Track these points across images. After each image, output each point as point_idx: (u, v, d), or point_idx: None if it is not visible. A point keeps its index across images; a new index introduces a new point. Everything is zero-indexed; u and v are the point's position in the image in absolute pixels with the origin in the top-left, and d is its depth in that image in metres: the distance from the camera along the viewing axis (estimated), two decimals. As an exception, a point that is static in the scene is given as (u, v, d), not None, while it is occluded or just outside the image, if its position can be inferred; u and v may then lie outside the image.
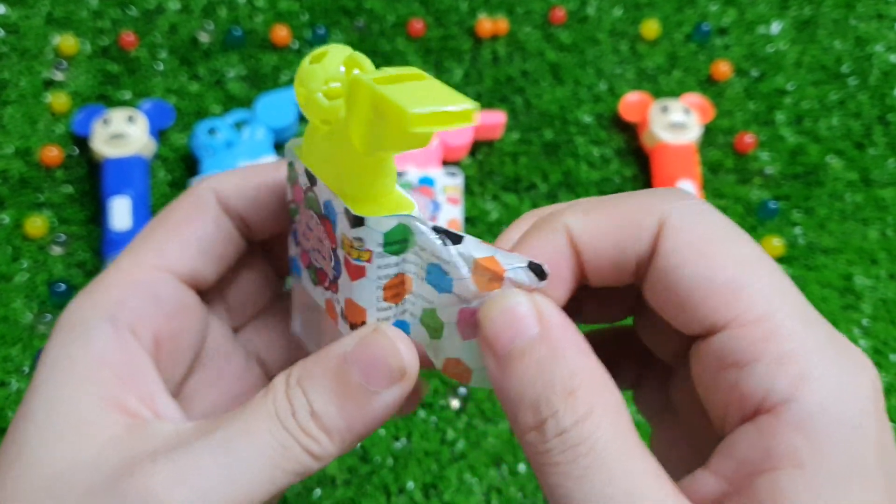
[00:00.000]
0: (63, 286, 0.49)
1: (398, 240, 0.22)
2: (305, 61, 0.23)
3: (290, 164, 0.25)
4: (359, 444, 0.24)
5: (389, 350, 0.22)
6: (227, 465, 0.21)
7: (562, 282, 0.23)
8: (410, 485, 0.45)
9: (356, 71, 0.22)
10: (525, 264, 0.22)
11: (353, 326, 0.24)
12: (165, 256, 0.26)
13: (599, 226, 0.23)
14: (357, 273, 0.23)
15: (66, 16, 0.58)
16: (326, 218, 0.23)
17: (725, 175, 0.56)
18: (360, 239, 0.22)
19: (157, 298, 0.25)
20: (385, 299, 0.23)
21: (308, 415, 0.22)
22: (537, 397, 0.20)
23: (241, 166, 0.29)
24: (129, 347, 0.24)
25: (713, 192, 0.55)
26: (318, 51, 0.23)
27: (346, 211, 0.22)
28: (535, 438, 0.20)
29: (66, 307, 0.25)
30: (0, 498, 0.22)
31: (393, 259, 0.23)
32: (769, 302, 0.20)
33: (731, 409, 0.21)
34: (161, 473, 0.21)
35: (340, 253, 0.23)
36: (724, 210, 0.54)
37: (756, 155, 0.56)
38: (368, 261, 0.22)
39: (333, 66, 0.22)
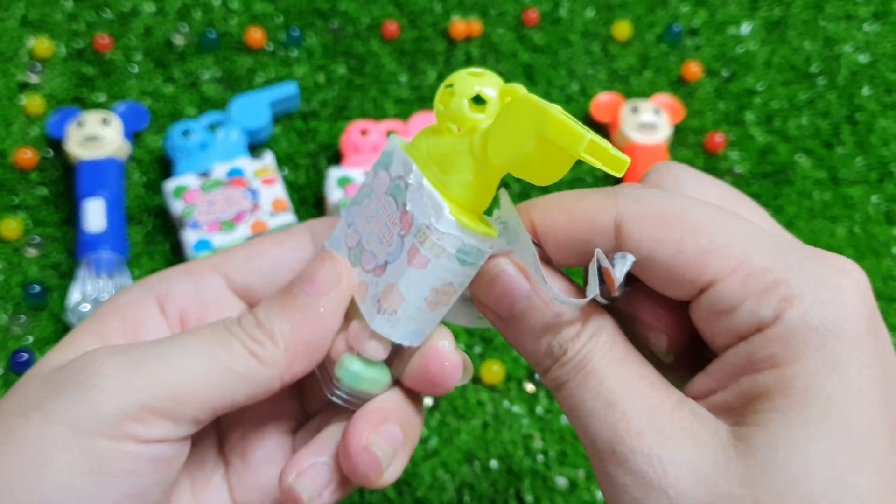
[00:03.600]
0: (37, 288, 0.49)
1: (471, 254, 0.24)
2: (463, 72, 0.25)
3: (386, 153, 0.27)
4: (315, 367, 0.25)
5: (326, 261, 0.25)
6: (169, 355, 0.23)
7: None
8: (383, 482, 0.46)
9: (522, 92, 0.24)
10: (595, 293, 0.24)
11: (380, 310, 0.25)
12: (226, 264, 0.27)
13: (559, 227, 0.24)
14: (421, 262, 0.24)
15: (40, 18, 0.59)
16: (405, 206, 0.25)
17: (696, 174, 0.56)
18: (441, 235, 0.24)
19: (196, 287, 0.27)
20: (427, 300, 0.25)
21: (253, 322, 0.24)
22: (549, 344, 0.23)
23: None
24: (145, 309, 0.26)
25: (684, 191, 0.55)
26: (477, 69, 0.25)
27: (441, 207, 0.24)
28: (547, 363, 0.24)
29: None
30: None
31: (457, 267, 0.24)
32: (741, 249, 0.22)
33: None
34: (105, 352, 0.23)
35: (409, 240, 0.24)
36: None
37: (726, 154, 0.57)
38: (437, 257, 0.24)
39: (488, 83, 0.25)
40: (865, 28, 0.63)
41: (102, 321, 0.26)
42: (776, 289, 0.21)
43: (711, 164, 0.57)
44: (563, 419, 0.47)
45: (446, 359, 0.25)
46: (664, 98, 0.57)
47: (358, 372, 0.25)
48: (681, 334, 0.25)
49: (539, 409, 0.48)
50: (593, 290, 0.23)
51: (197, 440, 0.26)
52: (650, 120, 0.55)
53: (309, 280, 0.25)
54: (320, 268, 0.25)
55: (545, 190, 0.55)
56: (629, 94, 0.58)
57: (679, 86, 0.59)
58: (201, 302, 0.27)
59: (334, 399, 0.27)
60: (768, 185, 0.56)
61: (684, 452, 0.21)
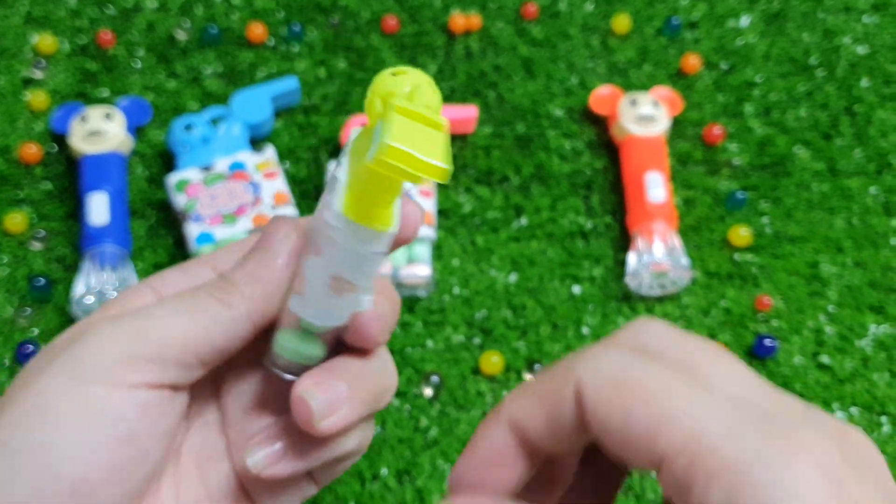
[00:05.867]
0: (43, 280, 0.50)
1: (364, 246, 0.25)
2: (388, 71, 0.24)
3: (350, 141, 0.27)
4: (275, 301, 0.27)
5: (280, 222, 0.27)
6: (152, 312, 0.26)
7: (514, 468, 0.24)
8: (384, 471, 0.46)
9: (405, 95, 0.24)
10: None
11: (294, 290, 0.27)
12: (214, 259, 0.29)
13: (531, 408, 0.24)
14: (316, 250, 0.25)
15: (44, 15, 0.59)
16: (326, 195, 0.25)
17: (694, 166, 0.57)
18: (331, 227, 0.24)
19: (189, 276, 0.28)
20: (330, 286, 0.25)
21: (219, 279, 0.27)
22: None
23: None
24: (140, 295, 0.27)
25: (682, 184, 0.56)
26: (402, 68, 0.25)
27: (338, 200, 0.24)
28: None
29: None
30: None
31: (348, 260, 0.25)
32: (691, 425, 0.21)
33: None
34: (98, 317, 0.26)
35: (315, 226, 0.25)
36: (693, 201, 0.55)
37: (724, 146, 0.57)
38: (329, 246, 0.24)
39: (402, 84, 0.24)
40: (865, 20, 0.63)
41: (104, 309, 0.27)
42: (723, 474, 0.20)
43: (710, 155, 0.57)
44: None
45: (365, 315, 0.27)
46: (663, 91, 0.57)
47: (290, 346, 0.27)
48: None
49: (538, 400, 0.48)
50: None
51: (197, 411, 0.28)
52: (649, 112, 0.55)
53: (264, 237, 0.27)
54: (273, 227, 0.27)
55: (546, 187, 0.56)
56: (628, 87, 0.58)
57: (678, 78, 0.60)
58: (192, 286, 0.28)
59: (276, 371, 0.28)
60: (767, 176, 0.56)
61: None
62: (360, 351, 0.28)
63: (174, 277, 0.28)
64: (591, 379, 0.22)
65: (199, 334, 0.25)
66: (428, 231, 0.51)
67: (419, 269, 0.50)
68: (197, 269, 0.28)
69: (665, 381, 0.22)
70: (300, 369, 0.27)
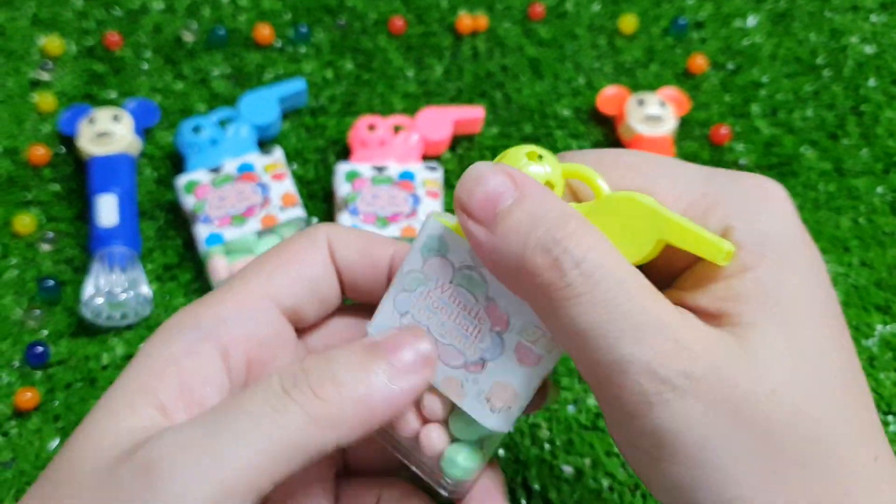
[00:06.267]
0: (52, 282, 0.50)
1: None
2: (521, 149, 0.25)
3: (432, 237, 0.26)
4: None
5: (415, 342, 0.24)
6: (227, 439, 0.22)
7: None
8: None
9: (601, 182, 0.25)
10: None
11: (493, 409, 0.25)
12: (273, 287, 0.26)
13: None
14: (533, 360, 0.24)
15: (51, 17, 0.59)
16: (492, 301, 0.24)
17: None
18: (550, 337, 0.24)
19: (257, 323, 0.26)
20: (534, 387, 0.25)
21: (317, 381, 0.23)
22: (543, 239, 0.22)
23: (353, 227, 0.31)
24: (205, 358, 0.25)
25: (689, 184, 0.56)
26: (535, 148, 0.25)
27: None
28: (553, 276, 0.22)
29: (173, 315, 0.26)
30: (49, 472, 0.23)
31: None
32: (675, 182, 0.24)
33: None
34: (165, 448, 0.22)
35: (512, 338, 0.24)
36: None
37: (731, 146, 0.57)
38: (550, 352, 0.24)
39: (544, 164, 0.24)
40: (872, 19, 0.63)
41: (158, 377, 0.24)
42: (716, 209, 0.23)
43: (717, 155, 0.57)
44: (570, 408, 0.48)
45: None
46: (670, 91, 0.57)
47: (463, 464, 0.26)
48: None
49: (546, 400, 0.48)
50: None
51: None
52: (656, 112, 0.55)
53: (392, 353, 0.24)
54: (407, 345, 0.24)
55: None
56: (635, 87, 0.59)
57: (685, 78, 0.60)
58: (262, 341, 0.26)
59: (440, 490, 0.27)
60: (773, 176, 0.56)
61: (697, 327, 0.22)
62: None
63: (239, 329, 0.25)
64: (588, 160, 0.26)
65: (281, 467, 0.23)
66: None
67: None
68: (256, 305, 0.26)
69: (639, 156, 0.26)
70: (464, 487, 0.27)
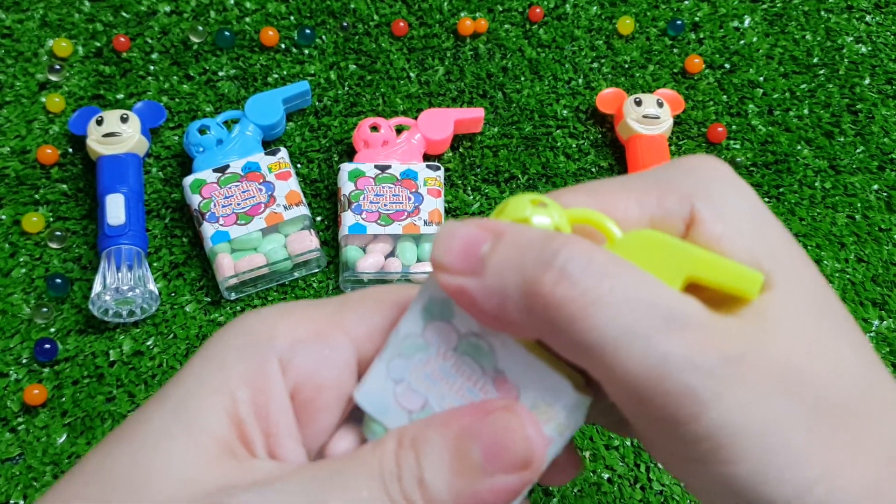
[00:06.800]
0: (60, 280, 0.51)
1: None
2: (524, 197, 0.23)
3: (435, 300, 0.24)
4: None
5: (518, 434, 0.22)
6: None
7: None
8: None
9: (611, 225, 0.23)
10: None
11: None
12: (356, 328, 0.25)
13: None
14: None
15: (59, 19, 0.60)
16: (501, 372, 0.23)
17: (699, 165, 0.58)
18: (569, 413, 0.22)
19: (327, 360, 0.24)
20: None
21: (415, 482, 0.21)
22: (539, 257, 0.20)
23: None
24: (275, 384, 0.23)
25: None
26: (538, 196, 0.23)
27: (562, 385, 0.22)
28: (565, 289, 0.20)
29: (240, 318, 0.24)
30: (100, 485, 0.22)
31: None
32: (621, 184, 0.25)
33: None
34: None
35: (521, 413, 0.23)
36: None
37: (728, 145, 0.58)
38: (562, 434, 0.22)
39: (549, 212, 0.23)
40: (867, 19, 0.64)
41: (231, 394, 0.23)
42: (672, 196, 0.23)
43: (714, 154, 0.58)
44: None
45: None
46: (667, 91, 0.58)
47: None
48: None
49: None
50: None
51: None
52: (653, 112, 0.56)
53: (488, 451, 0.21)
54: (507, 433, 0.22)
55: (552, 185, 0.57)
56: (633, 87, 0.59)
57: (682, 78, 0.61)
58: (319, 380, 0.24)
59: None
60: (770, 174, 0.57)
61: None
62: None
63: (307, 361, 0.23)
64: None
65: None
66: (437, 229, 0.52)
67: (429, 267, 0.51)
68: (335, 342, 0.24)
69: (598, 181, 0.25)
70: None
